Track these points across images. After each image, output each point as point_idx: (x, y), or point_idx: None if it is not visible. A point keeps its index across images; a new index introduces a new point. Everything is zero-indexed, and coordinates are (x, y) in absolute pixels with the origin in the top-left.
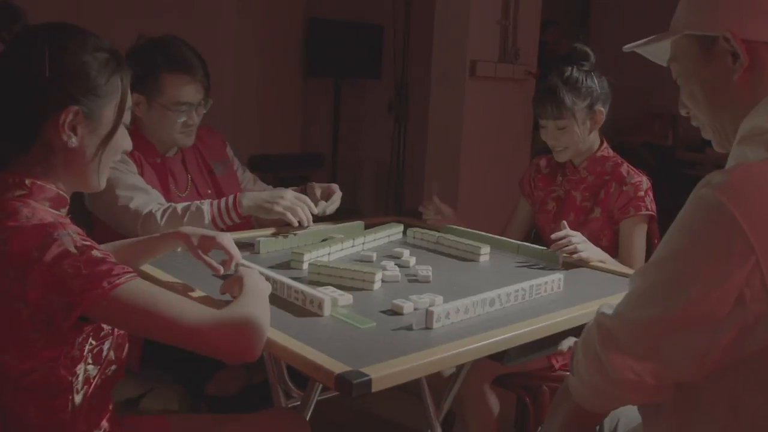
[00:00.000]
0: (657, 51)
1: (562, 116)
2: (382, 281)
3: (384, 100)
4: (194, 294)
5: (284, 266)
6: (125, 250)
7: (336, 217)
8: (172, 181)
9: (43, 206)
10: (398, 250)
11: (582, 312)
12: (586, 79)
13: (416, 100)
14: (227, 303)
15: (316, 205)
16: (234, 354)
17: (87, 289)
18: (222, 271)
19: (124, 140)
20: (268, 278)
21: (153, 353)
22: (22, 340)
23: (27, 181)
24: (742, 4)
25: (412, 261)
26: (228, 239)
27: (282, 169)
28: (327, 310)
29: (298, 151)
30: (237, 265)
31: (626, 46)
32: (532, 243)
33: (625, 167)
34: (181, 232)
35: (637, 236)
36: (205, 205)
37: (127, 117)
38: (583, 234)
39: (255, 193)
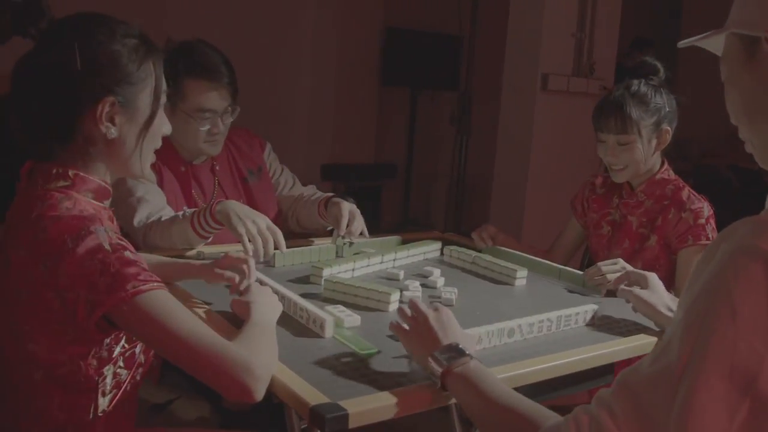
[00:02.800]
0: (719, 46)
1: (626, 131)
2: (401, 302)
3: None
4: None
5: (304, 280)
6: (162, 267)
7: (393, 231)
8: (197, 190)
9: (86, 197)
10: (429, 269)
11: (612, 349)
12: (654, 95)
13: (482, 113)
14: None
15: (339, 231)
16: (232, 395)
17: (112, 290)
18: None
19: (163, 124)
20: (278, 294)
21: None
22: (51, 331)
23: (71, 173)
24: None
25: (441, 282)
26: (252, 266)
27: (354, 179)
28: (329, 332)
29: (372, 161)
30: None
31: (682, 42)
32: (586, 268)
33: (686, 192)
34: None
35: None
36: (188, 213)
37: (163, 99)
38: (636, 265)
39: (234, 203)
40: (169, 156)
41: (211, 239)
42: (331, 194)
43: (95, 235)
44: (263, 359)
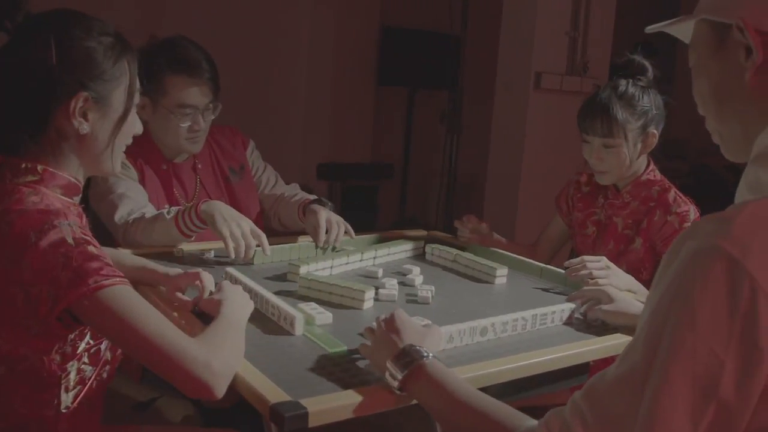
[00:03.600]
0: (688, 33)
1: (612, 134)
2: (377, 300)
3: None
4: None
5: (282, 278)
6: (130, 268)
7: (389, 231)
8: (179, 189)
9: (54, 193)
10: (408, 267)
11: (588, 348)
12: (642, 97)
13: (475, 111)
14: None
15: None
16: (191, 392)
17: (74, 284)
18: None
19: (135, 123)
20: (250, 291)
21: None
22: (14, 325)
23: (39, 167)
24: None
25: (419, 280)
26: (207, 278)
27: (351, 178)
28: (299, 329)
29: (368, 161)
30: (223, 277)
31: (649, 27)
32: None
33: (672, 194)
34: (165, 277)
35: None
36: (171, 212)
37: (136, 99)
38: (621, 267)
39: (220, 204)
40: (150, 154)
41: (193, 238)
42: (310, 198)
43: (59, 228)
44: (224, 356)
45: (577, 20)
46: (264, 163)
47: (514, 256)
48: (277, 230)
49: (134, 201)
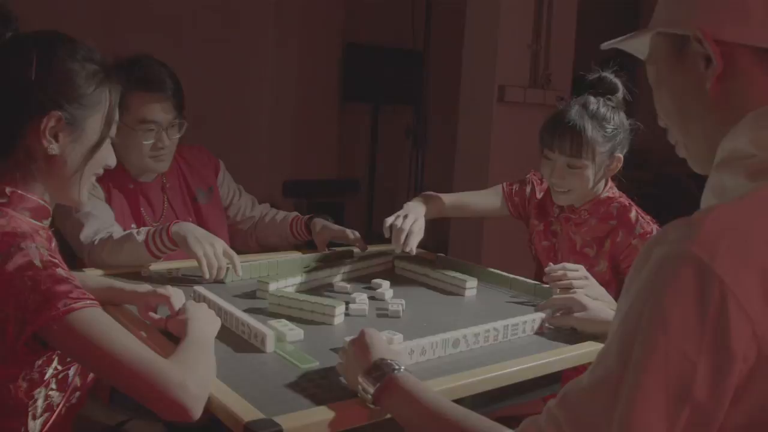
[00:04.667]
0: (643, 48)
1: (580, 155)
2: (347, 314)
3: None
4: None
5: (251, 295)
6: (96, 290)
7: (345, 245)
8: (146, 208)
9: (23, 216)
10: (378, 281)
11: (560, 356)
12: (613, 118)
13: (439, 127)
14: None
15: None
16: (167, 414)
17: (43, 308)
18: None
19: (108, 155)
20: (219, 309)
21: None
22: None
23: (7, 190)
24: None
25: (389, 294)
26: (178, 298)
27: (317, 195)
28: (270, 346)
29: (334, 177)
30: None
31: (604, 44)
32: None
33: (633, 213)
34: (134, 294)
35: None
36: (141, 233)
37: (113, 131)
38: None
39: (191, 226)
40: (116, 172)
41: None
42: (299, 216)
43: (26, 251)
44: (199, 376)
45: (539, 33)
46: (237, 185)
47: (484, 268)
48: (251, 251)
49: (100, 220)
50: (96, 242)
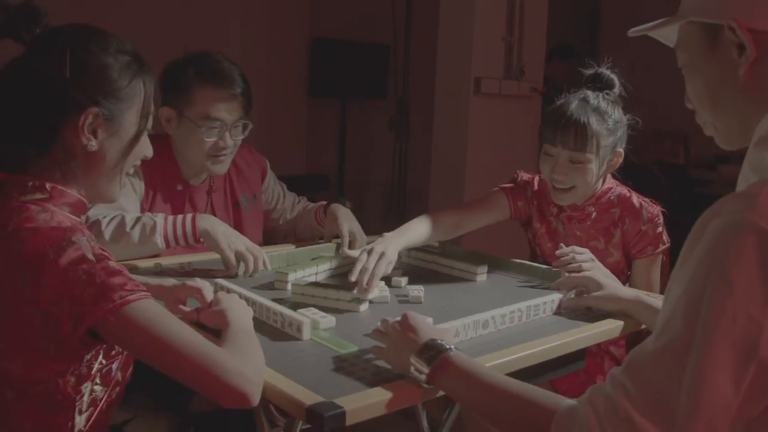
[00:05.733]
0: (670, 35)
1: (584, 149)
2: (370, 302)
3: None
4: None
5: (269, 287)
6: None
7: (328, 241)
8: (189, 211)
9: (63, 211)
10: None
11: (584, 334)
12: (613, 112)
13: (418, 119)
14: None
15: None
16: (229, 402)
17: (98, 301)
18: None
19: (145, 147)
20: (247, 300)
21: (134, 377)
22: (29, 347)
23: (48, 185)
24: None
25: (404, 281)
26: (207, 290)
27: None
28: (306, 334)
29: (303, 172)
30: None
31: (632, 30)
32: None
33: (635, 198)
34: (161, 288)
35: (654, 271)
36: (159, 219)
37: (149, 123)
38: None
39: (216, 221)
40: (167, 171)
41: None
42: (323, 204)
43: (77, 245)
44: (255, 364)
45: (512, 25)
46: (280, 187)
47: (490, 255)
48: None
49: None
50: (102, 219)
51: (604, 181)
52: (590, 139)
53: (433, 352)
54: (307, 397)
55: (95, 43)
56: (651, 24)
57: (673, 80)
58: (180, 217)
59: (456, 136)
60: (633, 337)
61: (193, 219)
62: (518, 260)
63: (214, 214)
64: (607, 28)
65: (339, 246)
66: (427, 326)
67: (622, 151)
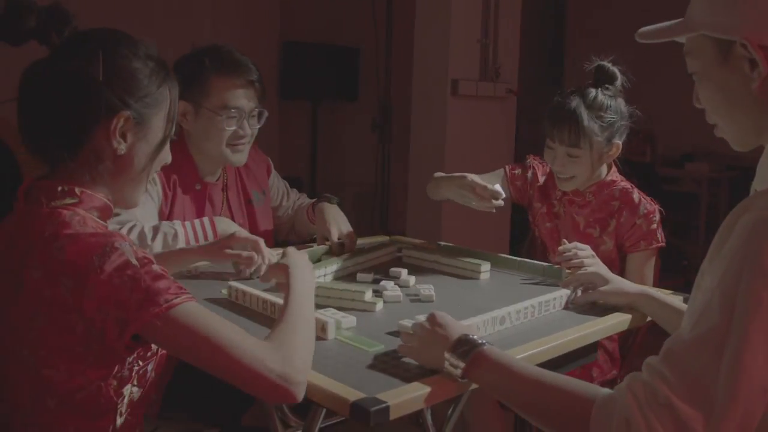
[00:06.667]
0: (679, 38)
1: (578, 145)
2: (384, 302)
3: (362, 121)
4: None
5: (275, 288)
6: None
7: (301, 244)
8: (209, 210)
9: (92, 216)
10: (396, 269)
11: (595, 328)
12: (610, 106)
13: (395, 121)
14: None
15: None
16: (272, 400)
17: (145, 306)
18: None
19: (167, 153)
20: (264, 302)
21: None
22: (72, 355)
23: (77, 190)
24: (761, 8)
25: (412, 280)
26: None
27: None
28: (331, 333)
29: None
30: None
31: (640, 38)
32: (529, 248)
33: (635, 195)
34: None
35: (647, 267)
36: (179, 227)
37: (174, 129)
38: None
39: (231, 222)
40: (185, 171)
41: None
42: (312, 202)
43: (120, 250)
44: (300, 359)
45: (487, 27)
46: (284, 184)
47: (490, 253)
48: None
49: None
50: (120, 230)
51: (609, 170)
52: (583, 136)
53: (467, 347)
54: (350, 393)
55: (125, 47)
56: (655, 29)
57: (641, 78)
58: (198, 222)
59: (434, 137)
60: (625, 331)
61: (212, 222)
62: (518, 258)
63: (230, 211)
64: (573, 21)
65: (332, 248)
66: (456, 323)
67: (619, 143)
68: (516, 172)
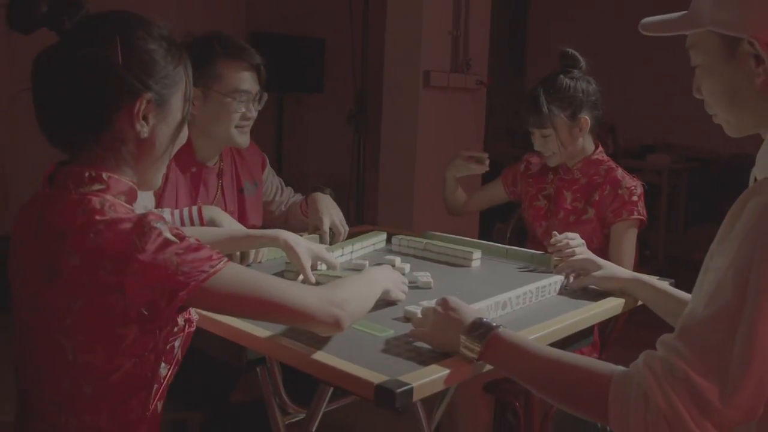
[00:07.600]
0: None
1: (543, 125)
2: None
3: (328, 113)
4: None
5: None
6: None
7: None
8: (204, 194)
9: (119, 200)
10: (389, 257)
11: (593, 312)
12: (569, 88)
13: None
14: None
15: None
16: (323, 331)
17: (191, 276)
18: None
19: (185, 133)
20: None
21: None
22: (111, 336)
23: (104, 175)
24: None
25: (407, 268)
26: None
27: None
28: None
29: None
30: None
31: (644, 30)
32: (518, 238)
33: (619, 172)
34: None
35: (627, 240)
36: (166, 214)
37: (189, 107)
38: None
39: (222, 212)
40: (183, 154)
41: None
42: (304, 198)
43: (158, 230)
44: (343, 294)
45: (458, 19)
46: (279, 181)
47: (476, 240)
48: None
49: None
50: None
51: (596, 148)
52: (544, 117)
53: (482, 330)
54: (373, 376)
55: (141, 29)
56: (662, 22)
57: (601, 70)
58: (186, 210)
59: (406, 128)
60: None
61: (199, 210)
62: (507, 246)
63: (224, 197)
64: (535, 18)
65: (321, 237)
66: (468, 307)
67: (587, 117)
68: (508, 172)
